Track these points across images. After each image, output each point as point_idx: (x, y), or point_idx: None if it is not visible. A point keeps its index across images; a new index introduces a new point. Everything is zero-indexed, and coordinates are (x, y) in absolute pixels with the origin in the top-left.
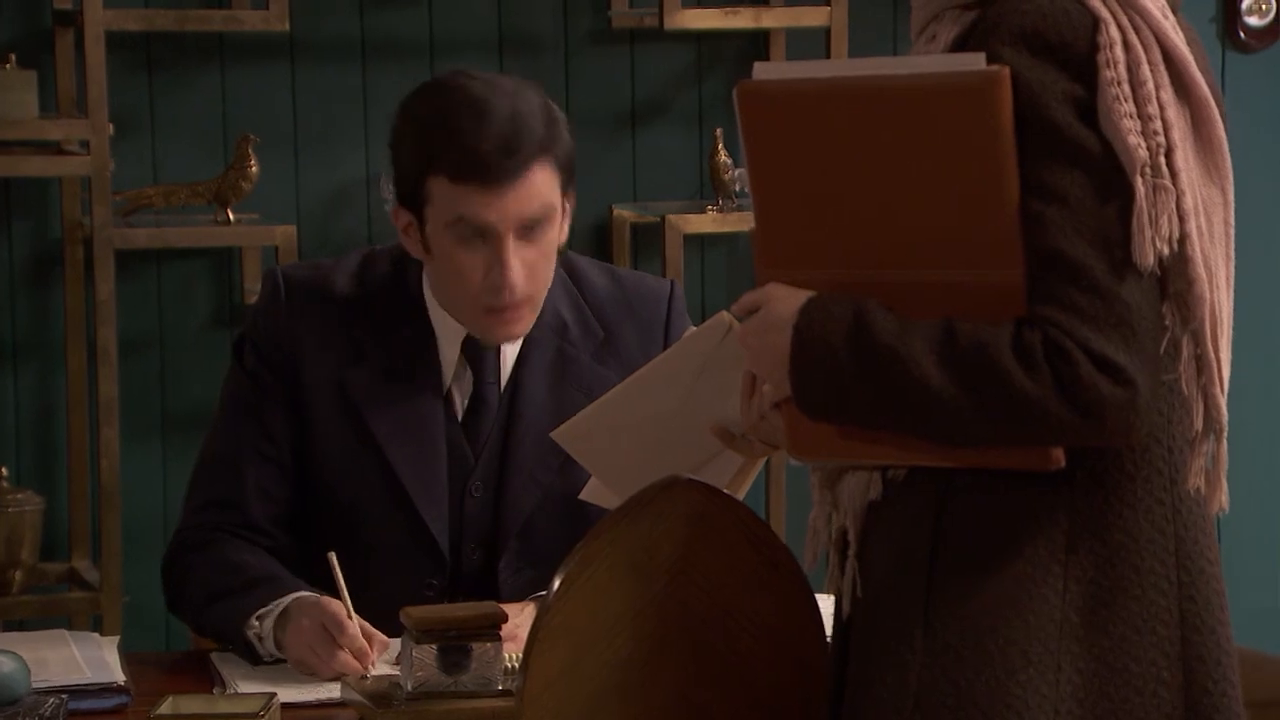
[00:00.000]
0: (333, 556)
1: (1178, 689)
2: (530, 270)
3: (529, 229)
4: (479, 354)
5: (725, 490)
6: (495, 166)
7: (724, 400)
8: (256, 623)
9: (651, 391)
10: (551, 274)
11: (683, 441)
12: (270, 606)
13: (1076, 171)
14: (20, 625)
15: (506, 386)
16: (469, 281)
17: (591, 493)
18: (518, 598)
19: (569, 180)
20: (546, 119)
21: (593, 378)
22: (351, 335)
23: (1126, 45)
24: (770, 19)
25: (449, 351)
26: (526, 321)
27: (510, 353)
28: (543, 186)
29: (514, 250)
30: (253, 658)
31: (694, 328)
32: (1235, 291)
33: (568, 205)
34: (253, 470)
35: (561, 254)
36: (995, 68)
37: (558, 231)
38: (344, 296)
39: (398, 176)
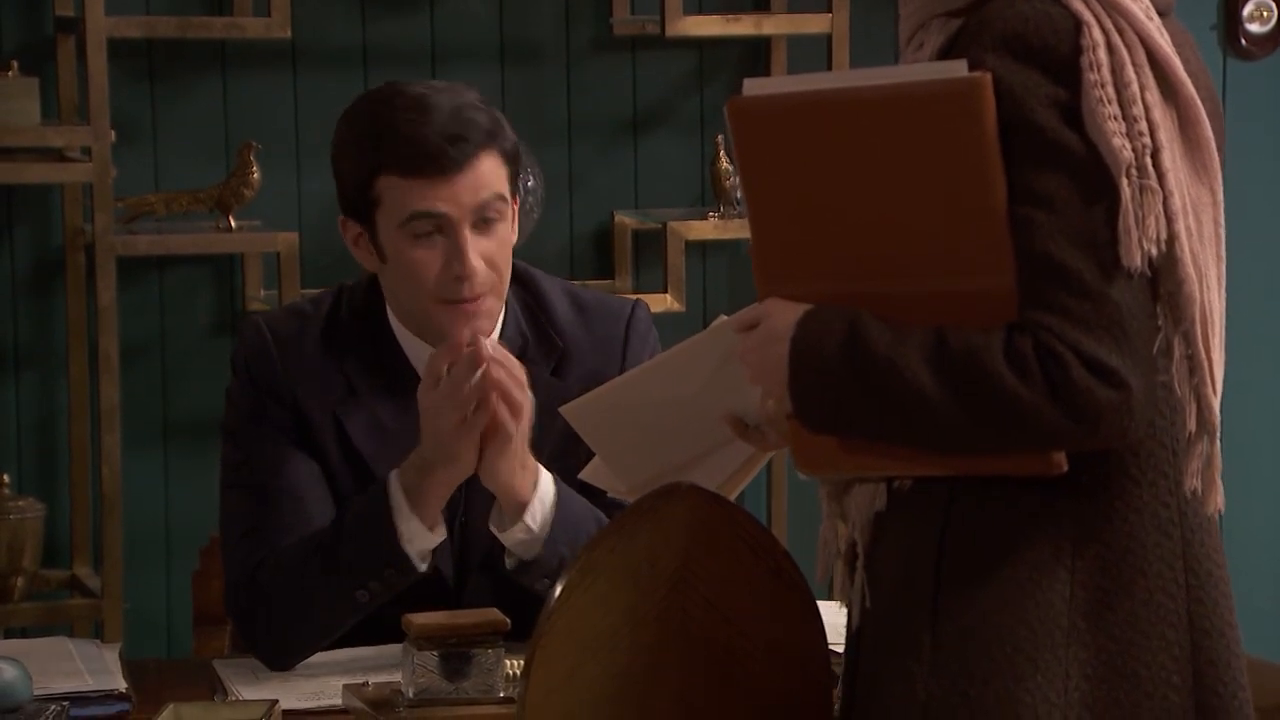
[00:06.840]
0: None
1: (1187, 693)
2: (489, 262)
3: (484, 220)
4: None
5: (720, 486)
6: (445, 155)
7: (742, 391)
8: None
9: (671, 376)
10: (509, 269)
11: (692, 429)
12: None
13: (1062, 175)
14: (22, 632)
15: None
16: (426, 278)
17: (591, 473)
18: None
19: (516, 176)
20: (489, 112)
21: (550, 393)
22: (339, 378)
23: (1110, 47)
24: (771, 26)
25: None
26: (490, 315)
27: None
28: (492, 175)
29: (471, 242)
30: (403, 574)
31: (724, 317)
32: (1240, 297)
33: (515, 206)
34: (297, 500)
35: (517, 268)
36: (977, 73)
37: (510, 226)
38: (325, 340)
39: (343, 187)
